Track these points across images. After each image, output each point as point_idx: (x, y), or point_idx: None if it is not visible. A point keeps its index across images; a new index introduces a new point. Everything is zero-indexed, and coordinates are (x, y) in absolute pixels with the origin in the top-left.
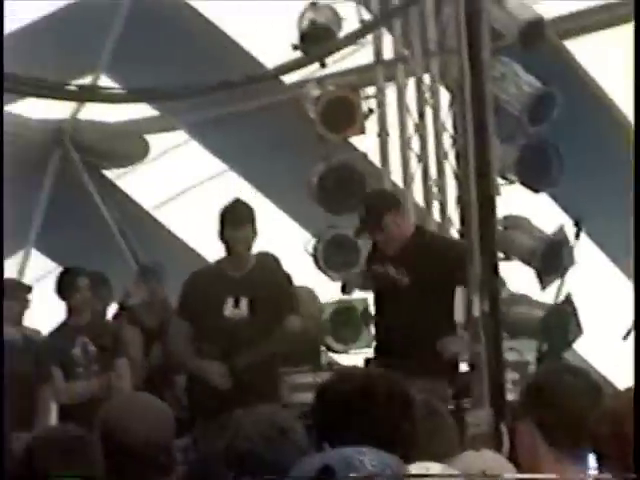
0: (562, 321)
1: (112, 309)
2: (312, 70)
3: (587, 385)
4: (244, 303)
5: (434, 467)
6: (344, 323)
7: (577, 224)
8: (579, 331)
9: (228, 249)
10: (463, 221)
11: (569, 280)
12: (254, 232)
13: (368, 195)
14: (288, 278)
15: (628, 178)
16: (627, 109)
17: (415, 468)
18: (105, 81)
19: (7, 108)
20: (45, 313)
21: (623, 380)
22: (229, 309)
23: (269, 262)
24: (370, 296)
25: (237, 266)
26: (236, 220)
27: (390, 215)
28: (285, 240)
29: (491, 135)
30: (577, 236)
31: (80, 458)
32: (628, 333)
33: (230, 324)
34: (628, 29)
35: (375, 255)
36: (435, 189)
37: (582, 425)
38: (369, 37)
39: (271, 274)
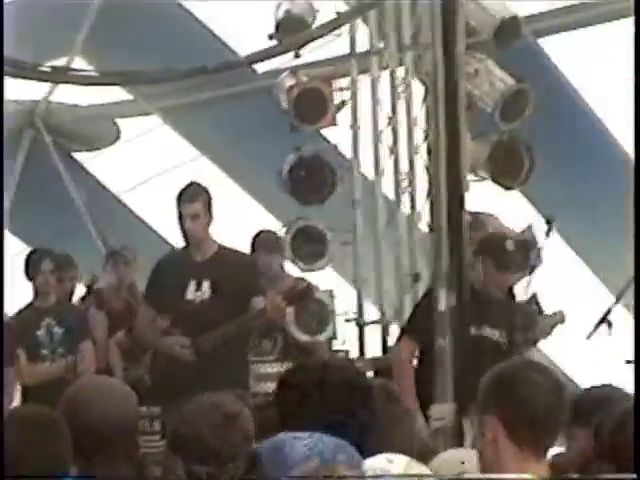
0: (528, 320)
1: (79, 292)
2: (286, 60)
3: (551, 383)
4: (206, 285)
5: (398, 459)
6: (310, 313)
7: (548, 223)
8: (544, 330)
9: (183, 231)
10: (433, 215)
11: (537, 279)
12: (209, 215)
13: None
14: (252, 262)
15: (600, 177)
16: (600, 109)
17: (379, 459)
18: (79, 63)
19: None
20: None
21: (586, 379)
22: (191, 292)
23: (234, 250)
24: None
25: (200, 250)
26: (187, 196)
27: None
28: (255, 228)
29: (463, 131)
30: (547, 234)
31: (52, 438)
32: (592, 332)
33: (192, 307)
34: (603, 28)
35: None
36: (405, 183)
37: (545, 422)
38: (344, 28)
39: (235, 257)
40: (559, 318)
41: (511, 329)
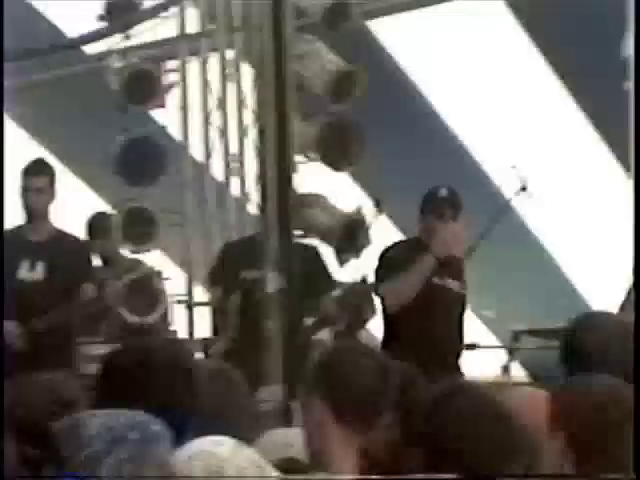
0: (358, 300)
1: None
2: (115, 41)
3: (377, 365)
4: (40, 267)
5: (226, 442)
6: (139, 294)
7: (377, 204)
8: (373, 311)
9: (26, 205)
10: (262, 197)
11: (365, 259)
12: (52, 192)
13: None
14: (85, 247)
15: (428, 158)
16: (430, 93)
17: (205, 442)
18: None
19: None
20: None
21: None
22: (24, 272)
23: (69, 234)
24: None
25: (37, 230)
26: (33, 170)
27: None
28: (86, 211)
29: (292, 112)
30: (376, 216)
31: None
32: None
33: (24, 287)
34: (432, 10)
35: None
36: (235, 165)
37: (371, 404)
38: (173, 10)
39: (70, 242)
40: None
41: None
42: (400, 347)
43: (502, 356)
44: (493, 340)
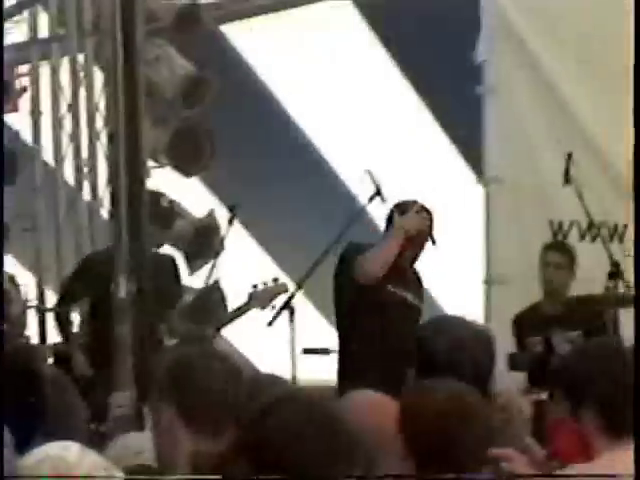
0: (210, 305)
1: None
2: None
3: (226, 369)
4: None
5: (72, 447)
6: None
7: (231, 210)
8: (225, 315)
9: None
10: (113, 202)
11: (220, 265)
12: None
13: None
14: None
15: (283, 166)
16: (286, 97)
17: (53, 446)
18: None
19: None
20: None
21: (268, 365)
22: None
23: None
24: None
25: None
26: None
27: None
28: None
29: (143, 117)
30: (230, 222)
31: None
32: (273, 319)
33: None
34: (285, 15)
35: None
36: (86, 169)
37: (222, 409)
38: (25, 14)
39: None
40: (281, 288)
41: None
42: (355, 353)
43: None
44: None
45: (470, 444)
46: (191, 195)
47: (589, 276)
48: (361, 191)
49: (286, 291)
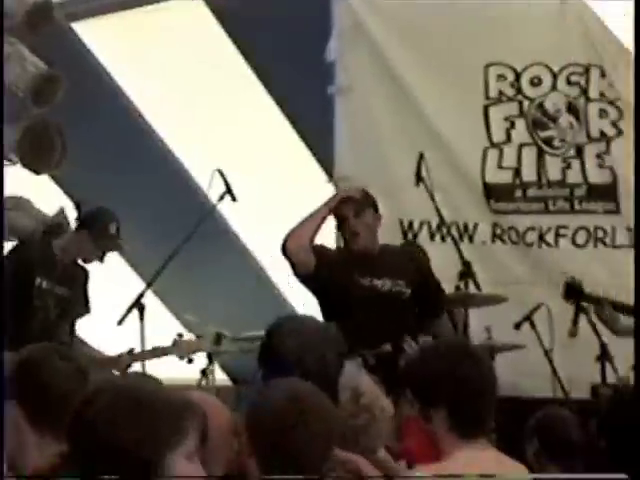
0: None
1: None
2: None
3: (74, 368)
4: None
5: None
6: None
7: (78, 207)
8: (87, 310)
9: None
10: None
11: None
12: None
13: None
14: None
15: (133, 164)
16: (136, 96)
17: None
18: None
19: None
20: None
21: None
22: None
23: None
24: None
25: None
26: None
27: None
28: None
29: None
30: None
31: None
32: (123, 318)
33: None
34: (135, 12)
35: None
36: None
37: (66, 408)
38: None
39: None
40: (203, 345)
41: None
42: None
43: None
44: None
45: (308, 442)
46: (42, 193)
47: (439, 275)
48: (212, 190)
49: (205, 350)
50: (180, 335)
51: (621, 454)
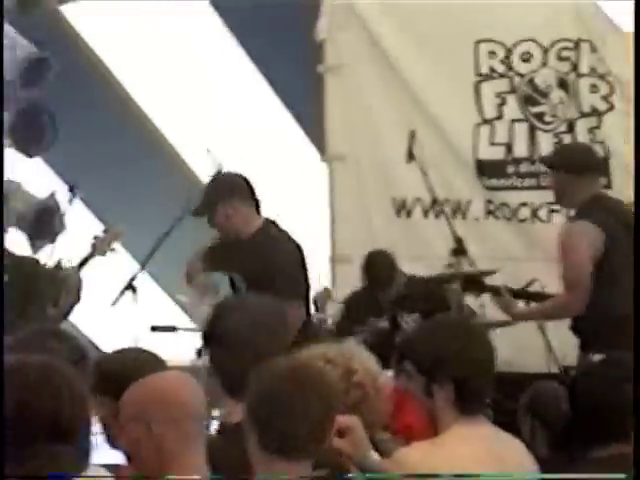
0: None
1: None
2: None
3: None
4: None
5: None
6: None
7: (71, 190)
8: (77, 299)
9: None
10: None
11: (60, 245)
12: None
13: None
14: None
15: (125, 146)
16: (126, 78)
17: None
18: None
19: None
20: None
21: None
22: None
23: None
24: None
25: None
26: None
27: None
28: None
29: None
30: (70, 202)
31: None
32: (117, 300)
33: None
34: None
35: None
36: None
37: None
38: None
39: None
40: (118, 233)
41: None
42: None
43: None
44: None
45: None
46: (34, 176)
47: (432, 252)
48: (203, 170)
49: (122, 235)
50: (95, 237)
51: (585, 423)
